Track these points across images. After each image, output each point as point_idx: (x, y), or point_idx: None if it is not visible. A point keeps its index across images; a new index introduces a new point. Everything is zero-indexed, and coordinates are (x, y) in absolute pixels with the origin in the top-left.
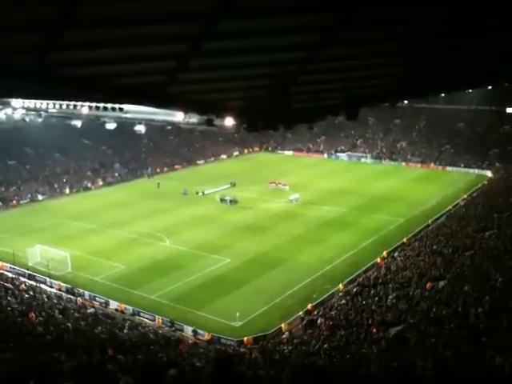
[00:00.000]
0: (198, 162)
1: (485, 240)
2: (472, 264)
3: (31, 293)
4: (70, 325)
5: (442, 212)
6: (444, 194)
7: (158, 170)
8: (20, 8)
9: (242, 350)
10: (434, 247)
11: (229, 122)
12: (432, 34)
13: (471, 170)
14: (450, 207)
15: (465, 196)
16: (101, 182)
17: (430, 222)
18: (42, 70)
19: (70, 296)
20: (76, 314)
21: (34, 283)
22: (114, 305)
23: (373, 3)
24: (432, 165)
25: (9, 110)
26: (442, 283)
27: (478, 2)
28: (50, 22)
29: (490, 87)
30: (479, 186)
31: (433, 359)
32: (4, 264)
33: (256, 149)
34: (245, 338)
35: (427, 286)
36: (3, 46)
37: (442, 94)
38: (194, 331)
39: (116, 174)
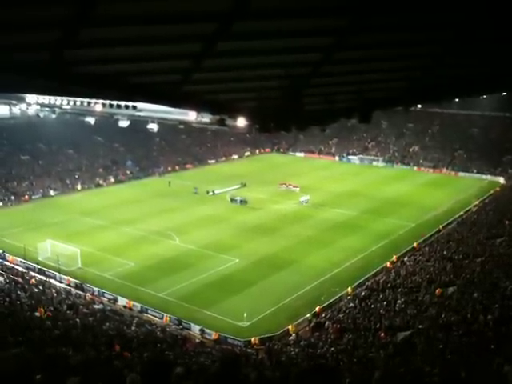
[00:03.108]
0: (210, 161)
1: (495, 247)
2: (482, 271)
3: (41, 287)
4: (78, 320)
5: (453, 218)
6: (456, 199)
7: (170, 169)
8: (37, 6)
9: (248, 350)
10: (445, 253)
11: (241, 122)
12: (446, 40)
13: (484, 176)
14: (461, 213)
15: (477, 202)
16: (112, 179)
17: (441, 227)
18: (57, 68)
19: (79, 291)
20: (84, 310)
21: (43, 278)
22: (122, 301)
23: (387, 7)
24: (444, 170)
25: (23, 106)
26: (451, 289)
27: (494, 9)
28: (66, 20)
29: (504, 94)
30: (491, 192)
31: (440, 365)
32: (15, 258)
33: (267, 150)
34: (252, 339)
35: (436, 291)
36: (20, 44)
37: (456, 99)
38: (202, 330)
39: (128, 172)
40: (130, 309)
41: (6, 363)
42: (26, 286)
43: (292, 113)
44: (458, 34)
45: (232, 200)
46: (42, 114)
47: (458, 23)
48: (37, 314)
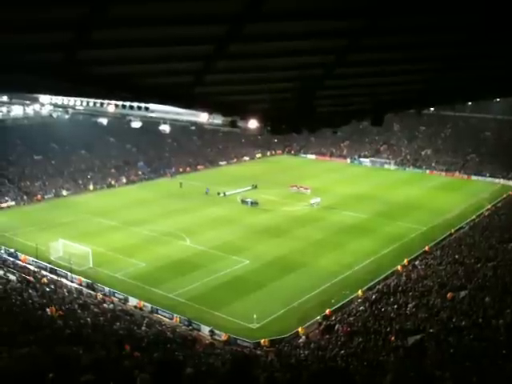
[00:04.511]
0: (221, 163)
1: (508, 251)
2: (494, 275)
3: (52, 286)
4: (89, 319)
5: (465, 221)
6: (468, 203)
7: (181, 170)
8: (50, 6)
9: (258, 352)
10: (456, 257)
11: (252, 124)
12: (460, 42)
13: (496, 180)
14: (473, 217)
15: (489, 206)
16: (124, 180)
17: (452, 231)
18: (70, 68)
19: (90, 291)
20: (95, 310)
21: (55, 277)
22: (133, 301)
23: (401, 10)
24: (457, 173)
25: (37, 106)
26: (462, 293)
27: (508, 11)
28: (79, 20)
29: None
30: (504, 196)
31: (451, 370)
32: (27, 257)
33: (279, 152)
34: (261, 341)
35: (448, 295)
36: (33, 44)
37: (469, 103)
38: (211, 331)
39: (139, 173)
40: (141, 309)
41: (19, 362)
42: (38, 285)
43: (304, 115)
44: (474, 35)
45: (243, 201)
46: (55, 115)
47: (474, 25)
48: (48, 310)
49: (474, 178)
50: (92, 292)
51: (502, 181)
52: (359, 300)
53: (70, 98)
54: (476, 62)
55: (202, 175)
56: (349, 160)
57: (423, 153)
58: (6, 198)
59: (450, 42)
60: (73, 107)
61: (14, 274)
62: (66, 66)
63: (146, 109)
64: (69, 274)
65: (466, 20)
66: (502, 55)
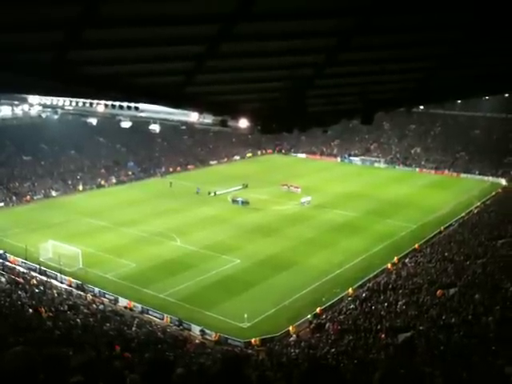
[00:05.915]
0: (211, 162)
1: (497, 249)
2: (483, 272)
3: (42, 288)
4: (79, 320)
5: (454, 219)
6: (457, 201)
7: (171, 170)
8: (41, 6)
9: (249, 351)
10: (446, 254)
11: (243, 123)
12: (453, 40)
13: (485, 178)
14: (463, 214)
15: (478, 204)
16: (114, 180)
17: (442, 228)
18: (60, 68)
19: (80, 292)
20: (85, 310)
21: (44, 278)
22: (123, 302)
23: (393, 8)
24: (446, 171)
25: (25, 107)
26: (452, 291)
27: (501, 10)
28: (70, 20)
29: (506, 95)
30: (493, 193)
31: (441, 367)
32: (16, 258)
33: (269, 151)
34: (252, 340)
35: (437, 293)
36: (23, 44)
37: (459, 101)
38: (202, 331)
39: (129, 173)
40: (131, 309)
41: (14, 360)
42: (27, 287)
43: (294, 114)
44: (467, 34)
45: (233, 201)
46: (44, 115)
47: (467, 24)
48: (31, 310)
49: (463, 175)
50: (82, 293)
51: (491, 178)
52: (349, 298)
53: (58, 98)
54: (470, 60)
55: (192, 175)
56: (339, 159)
57: (413, 151)
58: None
59: (444, 40)
60: (62, 107)
61: (3, 275)
62: (57, 66)
63: (136, 108)
64: (58, 275)
65: (461, 18)
66: (497, 53)
